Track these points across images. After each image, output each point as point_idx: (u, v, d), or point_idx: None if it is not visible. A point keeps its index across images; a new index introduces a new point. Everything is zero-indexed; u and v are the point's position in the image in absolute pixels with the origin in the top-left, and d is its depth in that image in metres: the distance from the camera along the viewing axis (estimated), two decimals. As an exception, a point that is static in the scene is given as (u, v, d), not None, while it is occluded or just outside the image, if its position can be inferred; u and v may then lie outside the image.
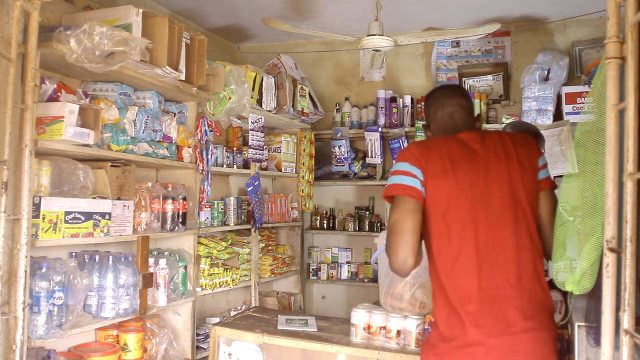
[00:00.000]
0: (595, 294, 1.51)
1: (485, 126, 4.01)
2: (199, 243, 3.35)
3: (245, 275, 3.80)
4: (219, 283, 3.44)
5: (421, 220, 1.69)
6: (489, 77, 4.33)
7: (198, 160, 3.17)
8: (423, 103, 4.24)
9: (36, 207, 2.14)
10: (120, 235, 2.56)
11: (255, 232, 3.84)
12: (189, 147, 3.09)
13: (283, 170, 4.29)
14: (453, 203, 1.68)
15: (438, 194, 1.68)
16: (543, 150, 1.92)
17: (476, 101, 4.09)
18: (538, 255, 1.69)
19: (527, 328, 1.61)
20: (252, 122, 3.75)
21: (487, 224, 1.66)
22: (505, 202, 1.68)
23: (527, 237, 1.68)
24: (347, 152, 4.48)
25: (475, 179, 1.69)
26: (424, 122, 2.02)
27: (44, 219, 2.16)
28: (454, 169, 1.69)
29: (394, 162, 4.30)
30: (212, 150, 3.32)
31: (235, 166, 3.72)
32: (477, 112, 2.00)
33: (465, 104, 1.89)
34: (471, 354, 1.62)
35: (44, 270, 2.16)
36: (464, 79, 4.37)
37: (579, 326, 1.77)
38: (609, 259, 1.22)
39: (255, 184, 3.79)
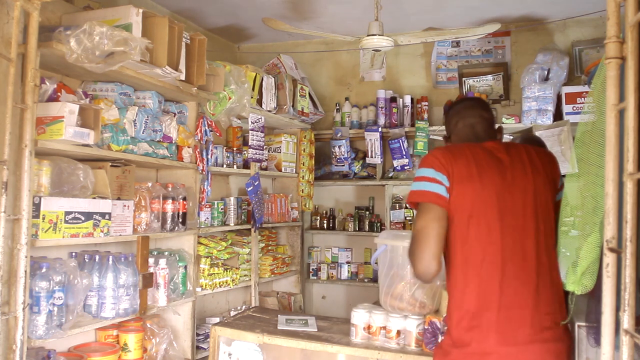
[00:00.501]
0: (595, 294, 1.51)
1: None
2: (199, 243, 3.35)
3: (245, 275, 3.79)
4: (219, 283, 3.44)
5: (446, 227, 1.68)
6: (489, 77, 4.33)
7: (198, 160, 3.17)
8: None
9: (36, 207, 2.14)
10: (120, 235, 2.56)
11: (255, 232, 3.84)
12: (189, 147, 3.09)
13: (283, 170, 4.29)
14: (477, 207, 1.67)
15: (463, 198, 1.68)
16: None
17: (476, 101, 4.08)
18: (555, 267, 1.69)
19: (544, 339, 1.61)
20: (252, 122, 3.75)
21: (511, 231, 1.66)
22: (528, 211, 1.68)
23: (547, 249, 1.68)
24: (347, 152, 4.48)
25: (501, 186, 1.69)
26: (445, 134, 2.02)
27: (44, 219, 2.16)
28: (479, 174, 1.69)
29: (390, 163, 4.32)
30: (212, 150, 3.32)
31: (235, 166, 3.72)
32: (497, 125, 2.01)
33: (486, 116, 1.91)
34: None
35: (44, 270, 2.16)
36: (464, 79, 4.37)
37: (579, 326, 1.77)
38: (609, 259, 1.22)
39: (255, 184, 3.79)
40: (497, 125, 1.96)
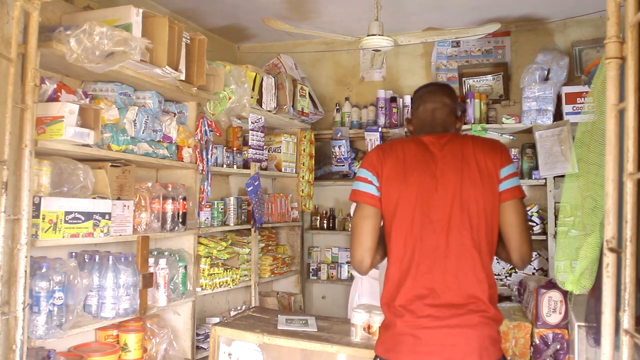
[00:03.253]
0: (595, 294, 1.52)
1: (485, 126, 4.02)
2: (199, 243, 3.35)
3: (245, 275, 3.80)
4: (219, 283, 3.44)
5: (378, 223, 1.77)
6: (489, 77, 4.33)
7: (198, 160, 3.17)
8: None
9: (36, 207, 2.14)
10: (120, 235, 2.56)
11: (255, 232, 3.84)
12: (189, 147, 3.09)
13: (283, 170, 4.29)
14: (400, 207, 1.72)
15: (389, 198, 1.74)
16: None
17: (476, 101, 4.09)
18: (481, 262, 1.67)
19: (456, 324, 1.62)
20: (252, 122, 3.75)
21: (433, 228, 1.68)
22: (455, 207, 1.67)
23: (474, 244, 1.66)
24: (347, 152, 4.48)
25: (426, 184, 1.70)
26: (408, 117, 2.04)
27: (44, 219, 2.16)
28: (406, 173, 1.73)
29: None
30: (212, 150, 3.32)
31: (235, 166, 3.72)
32: (460, 113, 1.99)
33: (448, 103, 1.90)
34: (405, 342, 1.65)
35: (44, 270, 2.16)
36: (464, 79, 4.37)
37: (579, 326, 1.78)
38: (609, 259, 1.22)
39: (255, 184, 3.79)
40: (459, 113, 1.93)
